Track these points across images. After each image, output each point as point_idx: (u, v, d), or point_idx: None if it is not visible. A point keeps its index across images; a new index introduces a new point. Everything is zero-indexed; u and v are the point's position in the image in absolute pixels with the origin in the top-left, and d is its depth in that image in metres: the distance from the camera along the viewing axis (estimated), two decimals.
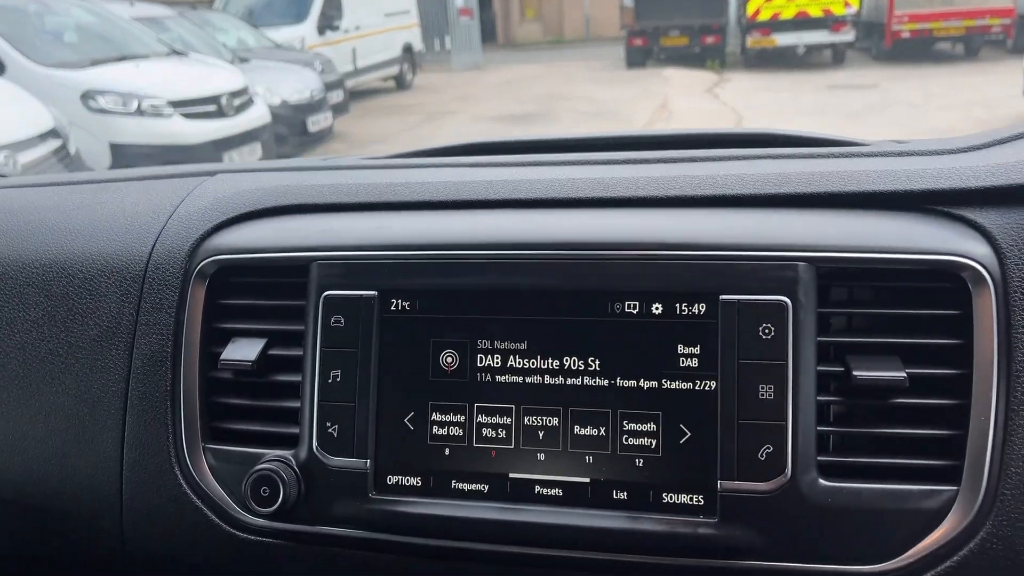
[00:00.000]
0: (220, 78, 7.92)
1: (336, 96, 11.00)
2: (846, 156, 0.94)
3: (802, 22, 15.62)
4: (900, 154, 0.92)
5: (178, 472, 0.93)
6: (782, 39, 15.84)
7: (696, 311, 0.82)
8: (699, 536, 0.79)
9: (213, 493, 0.92)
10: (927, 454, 0.80)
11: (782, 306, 0.80)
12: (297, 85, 9.59)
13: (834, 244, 0.82)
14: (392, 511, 0.86)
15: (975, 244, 0.81)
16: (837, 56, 16.03)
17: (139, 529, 0.95)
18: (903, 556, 0.77)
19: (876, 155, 0.93)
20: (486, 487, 0.85)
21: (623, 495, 0.82)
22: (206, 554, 0.92)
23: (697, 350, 0.82)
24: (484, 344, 0.86)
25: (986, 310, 0.79)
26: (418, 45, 17.55)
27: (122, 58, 7.62)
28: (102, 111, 7.00)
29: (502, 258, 0.86)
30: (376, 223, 0.94)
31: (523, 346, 0.85)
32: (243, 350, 0.93)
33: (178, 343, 0.95)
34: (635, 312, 0.83)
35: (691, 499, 0.81)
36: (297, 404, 0.90)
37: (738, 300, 0.80)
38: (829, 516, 0.78)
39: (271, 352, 0.93)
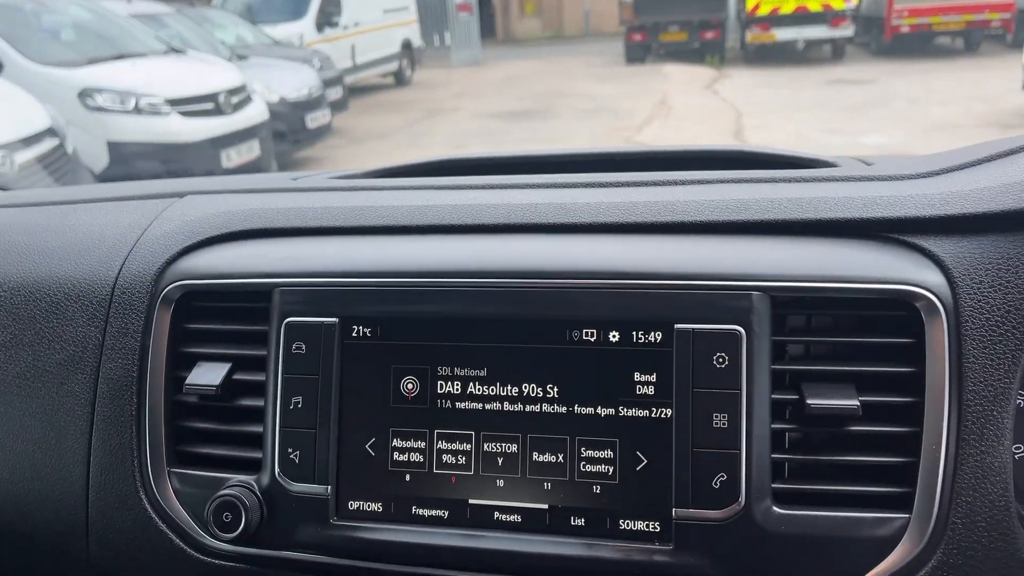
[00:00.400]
0: (218, 75, 7.92)
1: (335, 93, 11.00)
2: (807, 181, 0.94)
3: (801, 17, 15.58)
4: (861, 179, 0.93)
5: (143, 496, 0.94)
6: (781, 34, 15.80)
7: (652, 339, 0.82)
8: (654, 563, 0.80)
9: (178, 518, 0.93)
10: (881, 481, 0.80)
11: (736, 335, 0.80)
12: (295, 82, 9.59)
13: (789, 273, 0.82)
14: (353, 537, 0.86)
15: (929, 273, 0.81)
16: (837, 51, 16.00)
17: (105, 553, 0.96)
18: None
19: (837, 180, 0.93)
20: (446, 513, 0.86)
21: (580, 521, 0.83)
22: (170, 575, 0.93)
23: (653, 378, 0.82)
24: (444, 371, 0.87)
25: (938, 339, 0.79)
26: (417, 41, 17.53)
27: (120, 56, 7.61)
28: (99, 109, 7.00)
29: (463, 286, 0.87)
30: (338, 249, 0.94)
31: (483, 373, 0.86)
32: (208, 375, 0.93)
33: (143, 367, 0.95)
34: (592, 340, 0.84)
35: (647, 526, 0.82)
36: (261, 428, 0.91)
37: (692, 329, 0.81)
38: (783, 543, 0.79)
39: (235, 377, 0.93)
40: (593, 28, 24.38)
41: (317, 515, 0.87)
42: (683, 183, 0.97)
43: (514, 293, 0.86)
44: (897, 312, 0.81)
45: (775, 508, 0.79)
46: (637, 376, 0.83)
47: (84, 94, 7.00)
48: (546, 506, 0.84)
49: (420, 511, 0.86)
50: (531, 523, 0.84)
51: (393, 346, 0.88)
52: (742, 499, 0.79)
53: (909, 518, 0.78)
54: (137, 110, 7.08)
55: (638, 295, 0.83)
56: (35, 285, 1.02)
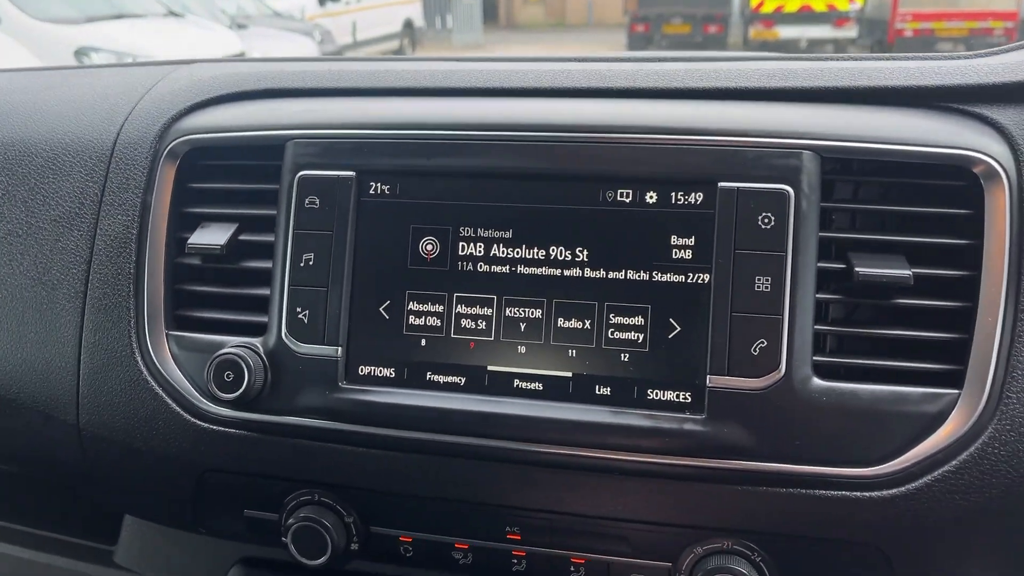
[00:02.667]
0: (217, 42, 7.81)
1: None
2: (855, 59, 0.89)
3: (806, 16, 15.55)
4: (913, 58, 0.88)
5: (139, 358, 0.88)
6: (785, 32, 15.76)
7: (692, 200, 0.77)
8: (685, 433, 0.75)
9: (174, 380, 0.87)
10: (928, 358, 0.75)
11: (784, 195, 0.75)
12: (295, 54, 9.48)
13: (841, 134, 0.77)
14: (362, 401, 0.81)
15: (989, 141, 0.76)
16: (839, 52, 15.98)
17: (96, 419, 0.90)
18: (899, 459, 0.73)
19: (887, 58, 0.88)
20: (463, 379, 0.81)
21: (606, 390, 0.78)
22: (165, 444, 0.88)
23: (691, 241, 0.77)
24: (466, 231, 0.81)
25: (999, 209, 0.74)
26: (419, 21, 17.42)
27: (118, 16, 7.51)
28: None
29: (489, 139, 0.81)
30: (357, 103, 0.89)
31: (508, 234, 0.81)
32: (212, 235, 0.88)
33: (144, 226, 0.90)
34: (628, 201, 0.79)
35: (677, 396, 0.77)
36: (267, 292, 0.85)
37: (737, 188, 0.76)
38: (823, 416, 0.74)
39: (242, 238, 0.88)
40: (596, 18, 24.27)
41: (325, 378, 0.82)
42: (723, 59, 0.91)
43: (544, 147, 0.80)
44: (954, 181, 0.76)
45: (815, 379, 0.74)
46: (674, 240, 0.77)
47: (80, 52, 6.88)
48: (570, 374, 0.79)
49: (435, 377, 0.81)
50: (553, 391, 0.79)
51: (412, 204, 0.82)
52: (782, 367, 0.74)
53: (959, 393, 0.73)
54: None
55: (679, 151, 0.78)
56: (31, 142, 0.96)
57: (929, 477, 0.73)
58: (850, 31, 15.76)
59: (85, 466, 0.94)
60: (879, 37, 16.20)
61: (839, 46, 16.06)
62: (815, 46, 16.57)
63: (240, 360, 0.81)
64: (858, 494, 0.74)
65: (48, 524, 1.19)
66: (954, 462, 0.72)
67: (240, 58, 1.14)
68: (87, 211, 0.91)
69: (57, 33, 6.83)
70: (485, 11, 20.27)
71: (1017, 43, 0.86)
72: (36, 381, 0.92)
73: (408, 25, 16.63)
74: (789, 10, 15.65)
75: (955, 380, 0.74)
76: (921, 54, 0.89)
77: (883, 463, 0.73)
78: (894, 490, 0.73)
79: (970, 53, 0.87)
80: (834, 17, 15.56)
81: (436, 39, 19.82)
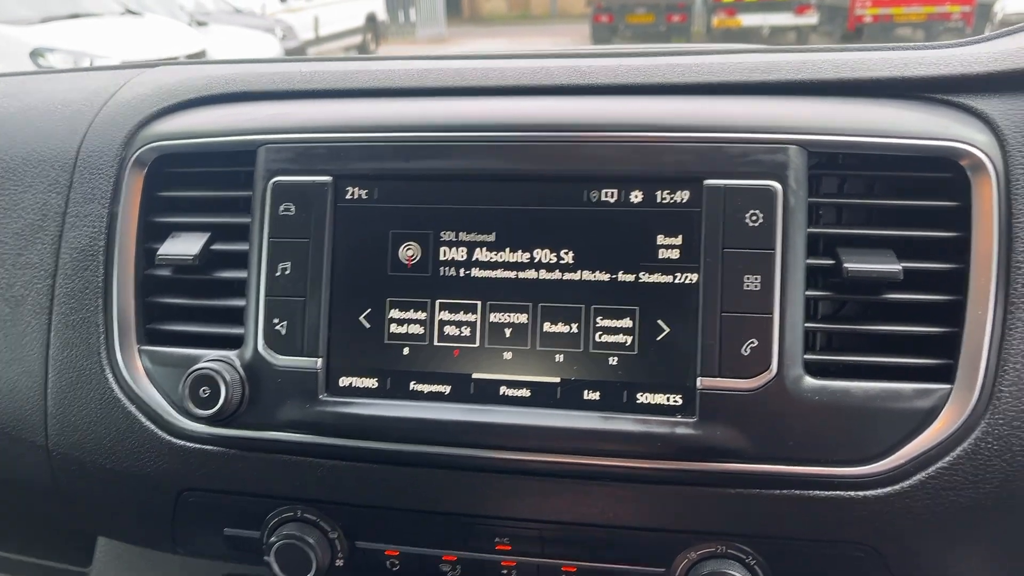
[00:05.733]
0: (176, 40, 7.68)
1: None
2: (839, 50, 0.88)
3: (767, 4, 15.65)
4: (897, 48, 0.87)
5: (109, 375, 0.85)
6: (747, 20, 15.86)
7: (678, 199, 0.76)
8: (676, 437, 0.74)
9: (148, 398, 0.84)
10: (919, 353, 0.75)
11: (772, 191, 0.74)
12: (257, 51, 9.35)
13: (827, 127, 0.76)
14: (344, 413, 0.79)
15: (975, 131, 0.76)
16: (801, 39, 16.07)
17: (66, 439, 0.86)
18: (892, 457, 0.72)
19: (871, 48, 0.87)
20: (447, 388, 0.78)
21: (595, 395, 0.76)
22: (140, 464, 0.85)
23: (678, 240, 0.76)
24: (448, 235, 0.79)
25: (986, 201, 0.74)
26: (382, 15, 17.26)
27: (74, 15, 7.34)
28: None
29: (469, 140, 0.79)
30: (331, 105, 0.86)
31: (491, 238, 0.79)
32: (183, 245, 0.85)
33: (111, 237, 0.86)
34: (612, 200, 0.77)
35: (668, 399, 0.75)
36: (242, 303, 0.82)
37: (724, 185, 0.74)
38: (815, 415, 0.73)
39: (215, 247, 0.85)
40: (560, 9, 24.23)
41: (305, 391, 0.79)
42: (706, 53, 0.90)
43: (526, 147, 0.78)
44: (940, 173, 0.75)
45: (807, 378, 0.73)
46: (660, 239, 0.76)
47: (36, 54, 6.70)
48: (558, 380, 0.77)
49: (419, 387, 0.79)
50: (541, 398, 0.77)
51: (391, 209, 0.80)
52: (773, 367, 0.73)
53: (951, 389, 0.72)
54: None
55: (664, 149, 0.76)
56: None
57: (923, 474, 0.72)
58: (811, 18, 15.91)
59: (55, 488, 0.90)
60: (839, 24, 16.37)
61: (801, 33, 16.21)
62: (777, 33, 16.70)
63: (216, 375, 0.78)
64: (852, 493, 0.73)
65: (18, 547, 1.15)
66: (947, 458, 0.72)
67: (207, 60, 1.11)
68: (50, 223, 0.88)
69: (11, 34, 6.65)
70: (448, 4, 20.16)
71: (1002, 31, 0.86)
72: (1, 401, 0.88)
73: (371, 19, 16.46)
74: None
75: (947, 375, 0.73)
76: (905, 44, 0.88)
77: (876, 461, 0.73)
78: (888, 488, 0.73)
79: (955, 42, 0.86)
80: (795, 4, 15.68)
81: (399, 33, 19.69)
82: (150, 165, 0.87)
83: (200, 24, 9.60)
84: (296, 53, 10.88)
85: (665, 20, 16.54)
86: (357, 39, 16.02)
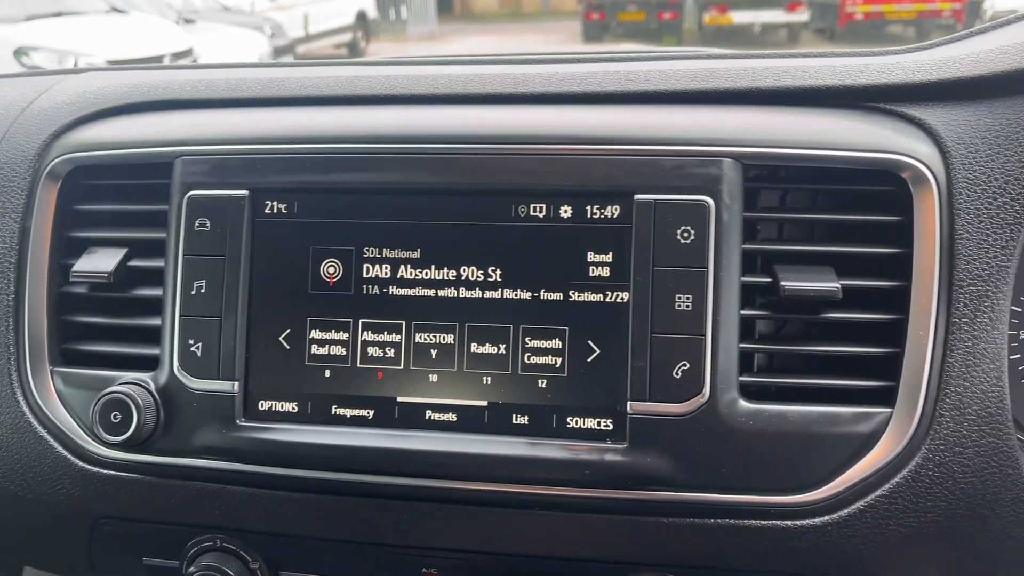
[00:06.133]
0: (163, 38, 7.63)
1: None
2: (783, 56, 0.85)
3: (758, 1, 15.63)
4: (842, 54, 0.83)
5: (20, 397, 0.81)
6: (738, 17, 15.84)
7: (609, 214, 0.72)
8: (606, 464, 0.70)
9: (60, 421, 0.80)
10: (859, 374, 0.71)
11: (703, 206, 0.70)
12: (245, 49, 9.29)
13: (763, 139, 0.73)
14: (263, 439, 0.75)
15: (918, 143, 0.72)
16: (792, 36, 16.08)
17: None
18: (830, 484, 0.69)
19: (816, 55, 0.84)
20: (371, 412, 0.75)
21: (524, 419, 0.73)
22: (52, 491, 0.81)
23: (609, 257, 0.72)
24: (371, 252, 0.76)
25: (928, 215, 0.70)
26: (372, 13, 17.20)
27: (59, 13, 7.29)
28: (36, 69, 6.68)
29: (392, 152, 0.76)
30: (249, 115, 0.82)
31: (416, 254, 0.75)
32: (99, 261, 0.81)
33: (23, 253, 0.83)
34: (541, 216, 0.73)
35: (598, 423, 0.72)
36: (158, 322, 0.79)
37: (655, 200, 0.71)
38: (750, 441, 0.69)
39: (132, 263, 0.81)
40: (552, 6, 24.18)
41: (222, 416, 0.76)
42: (645, 59, 0.87)
43: (452, 160, 0.75)
44: (881, 187, 0.72)
45: (742, 402, 0.70)
46: (591, 256, 0.73)
47: (20, 52, 6.65)
48: (485, 403, 0.74)
49: (341, 411, 0.75)
50: (468, 422, 0.74)
51: (312, 224, 0.76)
52: (706, 391, 0.69)
53: (891, 412, 0.69)
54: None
55: (594, 162, 0.73)
56: None
57: (861, 503, 0.69)
58: (802, 15, 15.89)
59: None
60: (830, 21, 16.36)
61: (792, 30, 16.20)
62: (768, 31, 16.68)
63: (127, 399, 0.75)
64: (789, 523, 0.70)
65: None
66: (887, 486, 0.69)
67: (135, 66, 1.08)
68: None
69: None
70: (439, 1, 20.10)
71: (948, 37, 0.83)
72: None
73: (361, 17, 16.39)
74: None
75: (887, 398, 0.70)
76: (850, 50, 0.84)
77: (814, 489, 0.69)
78: (825, 517, 0.69)
79: (901, 48, 0.83)
80: (786, 1, 15.66)
81: (390, 31, 19.62)
82: (65, 177, 0.83)
83: (188, 22, 9.55)
84: (285, 51, 10.83)
85: (656, 17, 16.52)
86: (347, 37, 15.96)
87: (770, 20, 16.00)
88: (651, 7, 16.39)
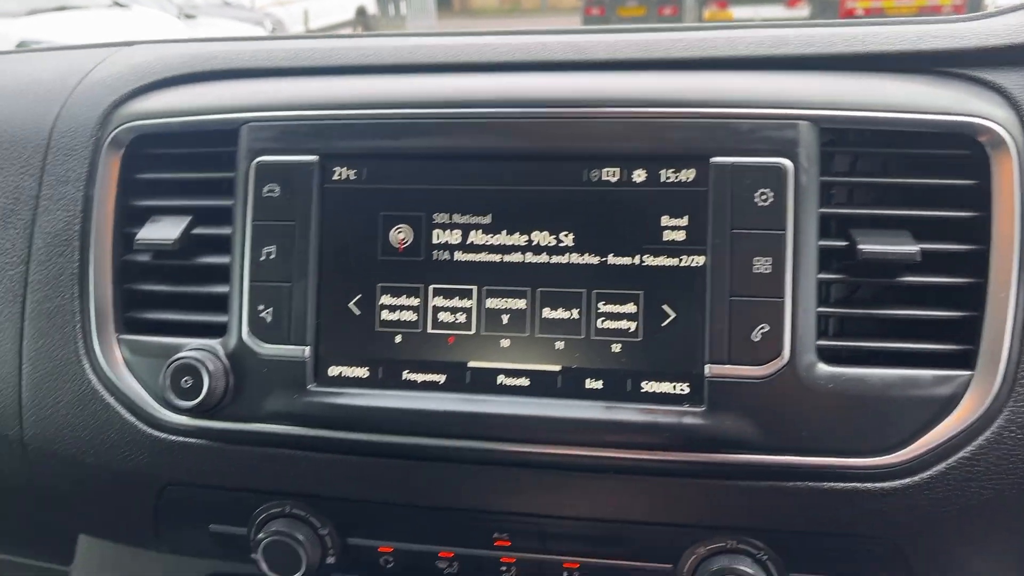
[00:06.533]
0: (163, 33, 7.61)
1: None
2: (850, 24, 0.84)
3: None
4: (910, 22, 0.83)
5: (87, 365, 0.81)
6: (739, 12, 15.80)
7: (683, 178, 0.72)
8: (683, 427, 0.70)
9: (127, 388, 0.80)
10: (938, 338, 0.71)
11: (782, 169, 0.70)
12: None
13: (839, 102, 0.72)
14: (333, 404, 0.75)
15: (994, 107, 0.72)
16: None
17: (41, 431, 0.82)
18: (911, 447, 0.69)
19: (883, 22, 0.84)
20: (442, 378, 0.75)
21: (598, 384, 0.73)
22: (120, 458, 0.81)
23: (684, 221, 0.72)
24: (441, 218, 0.75)
25: (1006, 179, 0.70)
26: (372, 9, 17.18)
27: (61, 8, 7.26)
28: None
29: (462, 117, 0.75)
30: (316, 82, 0.82)
31: (486, 220, 0.75)
32: (163, 229, 0.81)
33: (87, 222, 0.82)
34: (614, 180, 0.73)
35: (674, 387, 0.71)
36: (226, 289, 0.78)
37: (732, 163, 0.71)
38: (829, 404, 0.69)
39: (196, 231, 0.81)
40: (550, 3, 24.17)
41: (292, 381, 0.75)
42: (710, 28, 0.86)
43: (522, 124, 0.74)
44: (958, 150, 0.72)
45: (821, 365, 0.70)
46: (665, 220, 0.72)
47: (22, 46, 6.63)
48: (558, 368, 0.73)
49: (412, 376, 0.75)
50: (540, 387, 0.73)
51: (381, 190, 0.76)
52: (785, 353, 0.69)
53: (972, 375, 0.69)
54: None
55: (668, 125, 0.72)
56: None
57: (943, 465, 0.69)
58: (802, 10, 15.88)
59: (32, 484, 0.86)
60: (831, 16, 16.36)
61: None
62: None
63: (198, 364, 0.75)
64: (869, 485, 0.70)
65: None
66: (969, 448, 0.68)
67: (187, 39, 1.08)
68: (23, 207, 0.84)
69: None
70: None
71: (1016, 3, 0.82)
72: None
73: (361, 12, 16.38)
74: None
75: (967, 361, 0.70)
76: (919, 18, 0.84)
77: (894, 452, 0.69)
78: (907, 480, 0.69)
79: (969, 16, 0.82)
80: None
81: (389, 26, 19.58)
82: (127, 146, 0.83)
83: (188, 17, 9.52)
84: None
85: (656, 13, 16.49)
86: (346, 32, 15.95)
87: (770, 15, 15.99)
88: (651, 2, 16.35)
